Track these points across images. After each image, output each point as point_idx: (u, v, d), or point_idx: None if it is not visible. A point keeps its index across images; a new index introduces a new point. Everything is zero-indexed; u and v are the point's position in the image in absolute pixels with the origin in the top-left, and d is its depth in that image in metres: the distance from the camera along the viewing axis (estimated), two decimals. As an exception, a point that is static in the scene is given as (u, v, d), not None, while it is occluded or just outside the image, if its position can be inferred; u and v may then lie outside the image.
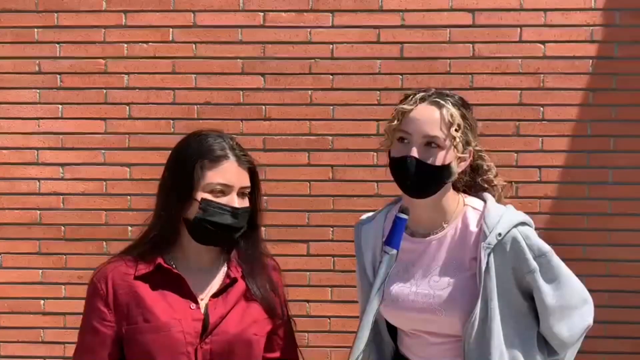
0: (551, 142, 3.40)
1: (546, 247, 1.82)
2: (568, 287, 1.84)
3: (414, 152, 1.78)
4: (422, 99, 1.82)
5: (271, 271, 1.92)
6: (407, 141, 1.80)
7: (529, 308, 1.85)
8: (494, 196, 1.91)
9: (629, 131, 3.38)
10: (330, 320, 3.50)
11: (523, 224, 1.83)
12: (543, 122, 3.40)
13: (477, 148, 1.91)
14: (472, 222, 1.84)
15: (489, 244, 1.77)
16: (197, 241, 1.81)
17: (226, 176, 1.78)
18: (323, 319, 3.49)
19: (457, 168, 1.84)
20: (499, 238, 1.78)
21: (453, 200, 1.87)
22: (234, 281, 1.83)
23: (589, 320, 1.89)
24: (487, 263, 1.77)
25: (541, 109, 3.40)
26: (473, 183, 1.94)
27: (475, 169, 1.94)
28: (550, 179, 3.41)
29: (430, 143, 1.78)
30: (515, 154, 3.41)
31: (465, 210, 1.87)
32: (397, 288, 1.87)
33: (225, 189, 1.78)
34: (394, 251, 1.73)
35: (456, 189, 1.91)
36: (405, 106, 1.82)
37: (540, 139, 3.40)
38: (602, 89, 3.39)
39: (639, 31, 3.37)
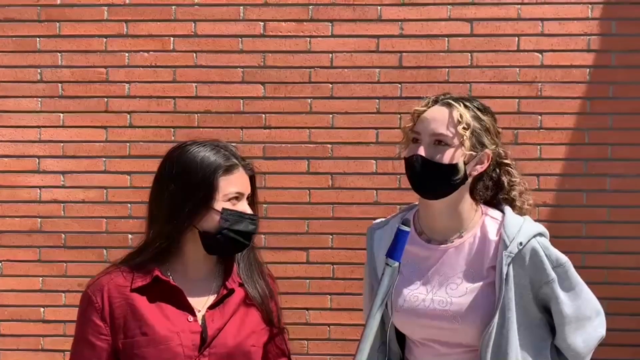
0: (549, 150, 3.42)
1: (564, 257, 1.83)
2: (584, 297, 1.85)
3: (421, 151, 1.79)
4: (435, 101, 1.85)
5: (267, 278, 1.92)
6: (418, 141, 1.82)
7: (542, 320, 1.86)
8: (513, 208, 1.90)
9: (626, 139, 3.40)
10: (329, 328, 3.50)
11: (541, 234, 1.83)
12: (541, 130, 3.42)
13: (506, 161, 1.90)
14: (491, 231, 1.84)
15: (510, 253, 1.77)
16: (210, 252, 1.79)
17: (239, 184, 1.78)
18: (322, 326, 3.49)
19: (471, 170, 1.83)
20: (520, 247, 1.78)
21: (471, 208, 1.87)
22: (230, 292, 1.82)
23: (602, 331, 1.90)
24: (507, 272, 1.77)
25: (539, 117, 3.42)
26: (494, 201, 1.91)
27: (497, 183, 1.92)
28: (548, 186, 3.42)
29: (439, 141, 1.79)
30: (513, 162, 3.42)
31: (483, 219, 1.87)
32: (411, 294, 1.86)
33: (239, 197, 1.79)
34: (396, 264, 1.70)
35: (475, 199, 1.89)
36: (418, 108, 1.85)
37: (538, 147, 3.42)
38: (599, 97, 3.40)
39: (635, 40, 3.39)
